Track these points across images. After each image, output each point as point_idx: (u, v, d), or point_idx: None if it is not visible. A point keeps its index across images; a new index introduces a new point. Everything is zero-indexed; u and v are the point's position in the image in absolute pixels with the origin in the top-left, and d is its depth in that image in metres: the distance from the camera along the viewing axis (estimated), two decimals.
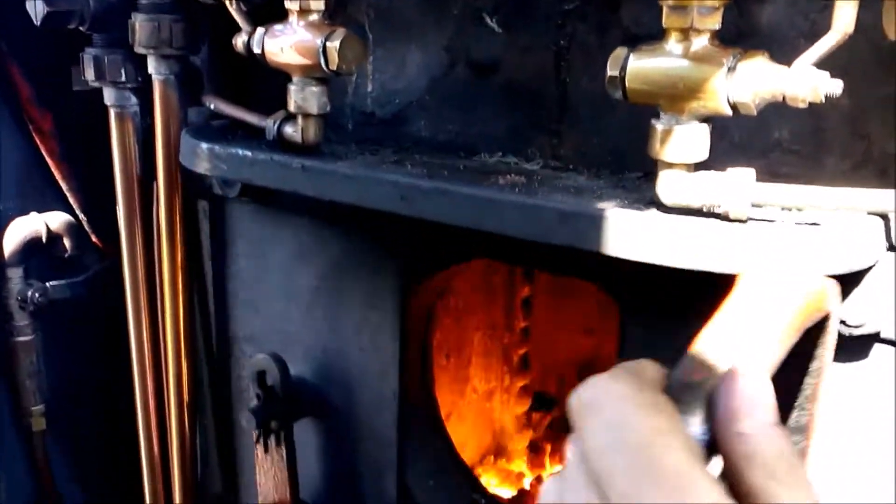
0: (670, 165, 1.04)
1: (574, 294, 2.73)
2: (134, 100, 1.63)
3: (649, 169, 1.22)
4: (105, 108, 1.67)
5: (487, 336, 2.61)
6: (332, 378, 1.71)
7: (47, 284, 1.87)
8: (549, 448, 2.70)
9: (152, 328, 1.83)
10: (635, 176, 1.25)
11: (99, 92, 1.67)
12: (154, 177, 1.66)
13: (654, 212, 1.04)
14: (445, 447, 1.90)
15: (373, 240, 1.55)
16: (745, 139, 1.17)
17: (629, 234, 0.99)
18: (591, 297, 2.70)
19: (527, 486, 2.53)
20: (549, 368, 2.87)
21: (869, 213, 1.03)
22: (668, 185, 1.05)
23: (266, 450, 1.69)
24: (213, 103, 1.51)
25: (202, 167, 1.34)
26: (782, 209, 1.08)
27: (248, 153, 1.27)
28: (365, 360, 1.65)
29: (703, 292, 1.06)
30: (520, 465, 2.70)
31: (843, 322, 1.07)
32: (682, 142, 1.02)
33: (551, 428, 2.78)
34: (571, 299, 2.75)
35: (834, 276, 0.55)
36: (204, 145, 1.32)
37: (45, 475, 1.96)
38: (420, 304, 1.76)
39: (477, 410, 2.62)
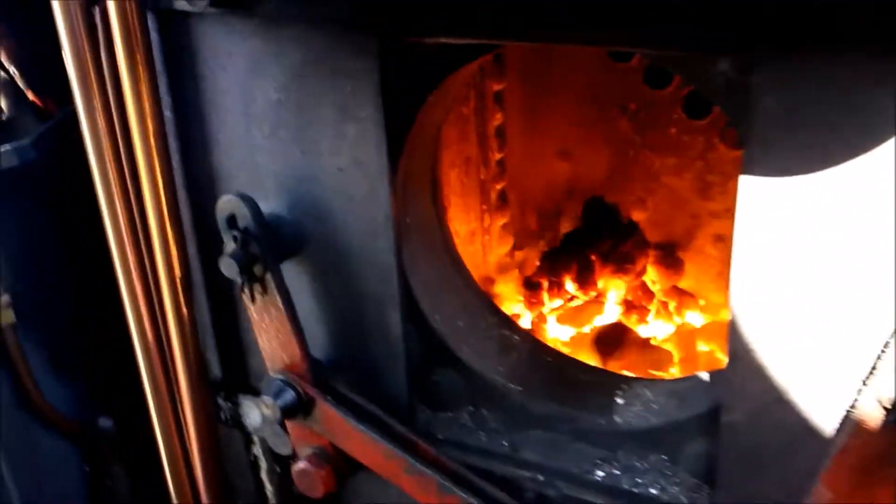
0: None
1: (548, 115, 2.54)
2: None
3: None
4: None
5: (463, 173, 2.42)
6: (312, 209, 1.49)
7: None
8: (545, 284, 2.56)
9: (122, 188, 1.57)
10: None
11: None
12: None
13: None
14: (469, 285, 1.73)
15: (342, 33, 1.30)
16: None
17: None
18: (566, 117, 2.52)
19: (528, 326, 2.40)
20: (527, 201, 2.70)
21: None
22: None
23: (253, 299, 1.48)
24: None
25: None
26: None
27: None
28: (347, 183, 1.43)
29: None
30: (510, 307, 2.54)
31: None
32: None
33: (541, 265, 2.65)
34: (545, 122, 2.57)
35: None
36: None
37: (22, 371, 1.73)
38: (430, 121, 1.54)
39: (461, 255, 2.48)
